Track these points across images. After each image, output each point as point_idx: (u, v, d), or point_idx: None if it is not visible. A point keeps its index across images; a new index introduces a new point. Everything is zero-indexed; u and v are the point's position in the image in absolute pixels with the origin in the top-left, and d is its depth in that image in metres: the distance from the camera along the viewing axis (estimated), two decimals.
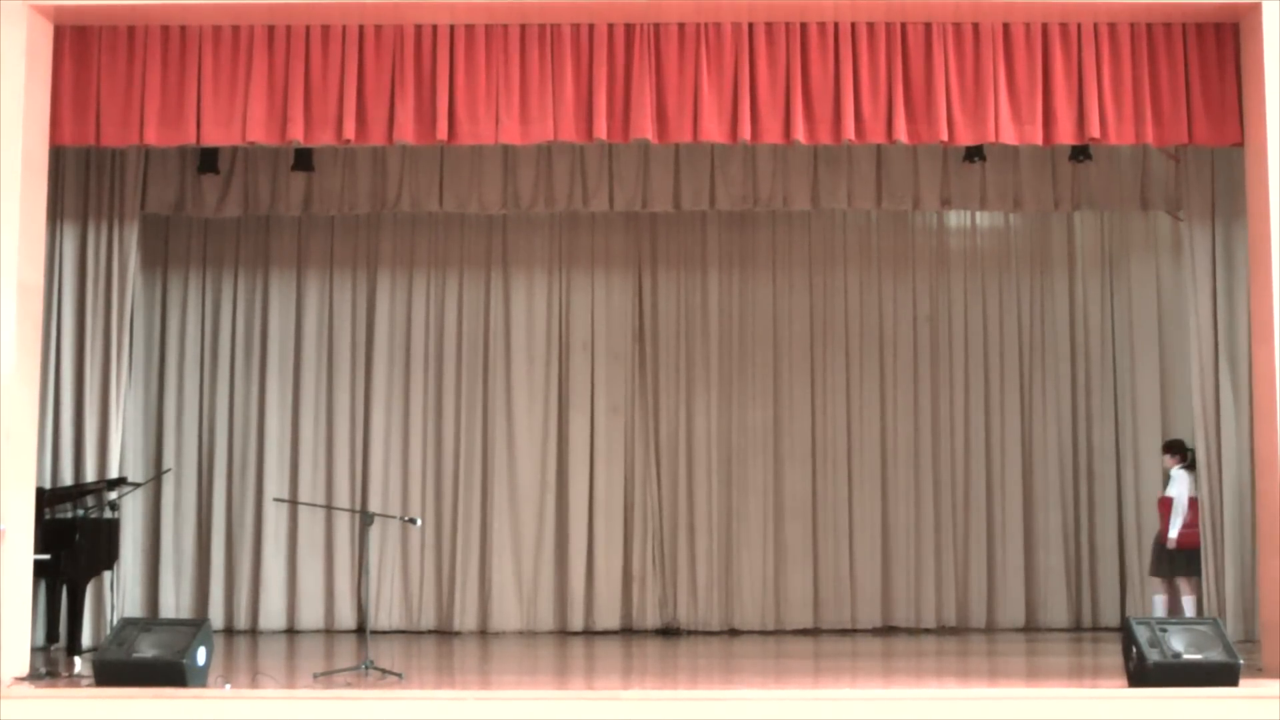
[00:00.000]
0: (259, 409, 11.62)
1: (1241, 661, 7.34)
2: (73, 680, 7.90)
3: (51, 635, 9.23)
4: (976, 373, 11.79)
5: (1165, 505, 10.29)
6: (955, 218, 11.91)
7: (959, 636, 11.03)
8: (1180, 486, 10.29)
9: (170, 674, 7.23)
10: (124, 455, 10.11)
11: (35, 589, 8.53)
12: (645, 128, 8.51)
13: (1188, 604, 10.44)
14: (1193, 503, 10.16)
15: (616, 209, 11.02)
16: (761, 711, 7.13)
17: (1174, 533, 10.11)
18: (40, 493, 8.72)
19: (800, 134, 8.56)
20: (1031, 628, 11.32)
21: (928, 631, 11.25)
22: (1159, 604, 10.51)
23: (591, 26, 8.61)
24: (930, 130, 8.57)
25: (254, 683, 7.95)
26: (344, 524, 11.42)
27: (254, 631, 11.31)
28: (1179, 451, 10.45)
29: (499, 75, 8.60)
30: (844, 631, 11.32)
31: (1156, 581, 10.50)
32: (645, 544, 11.55)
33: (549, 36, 8.62)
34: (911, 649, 10.17)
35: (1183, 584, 10.40)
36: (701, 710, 7.17)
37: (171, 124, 8.59)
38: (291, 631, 11.28)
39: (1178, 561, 10.24)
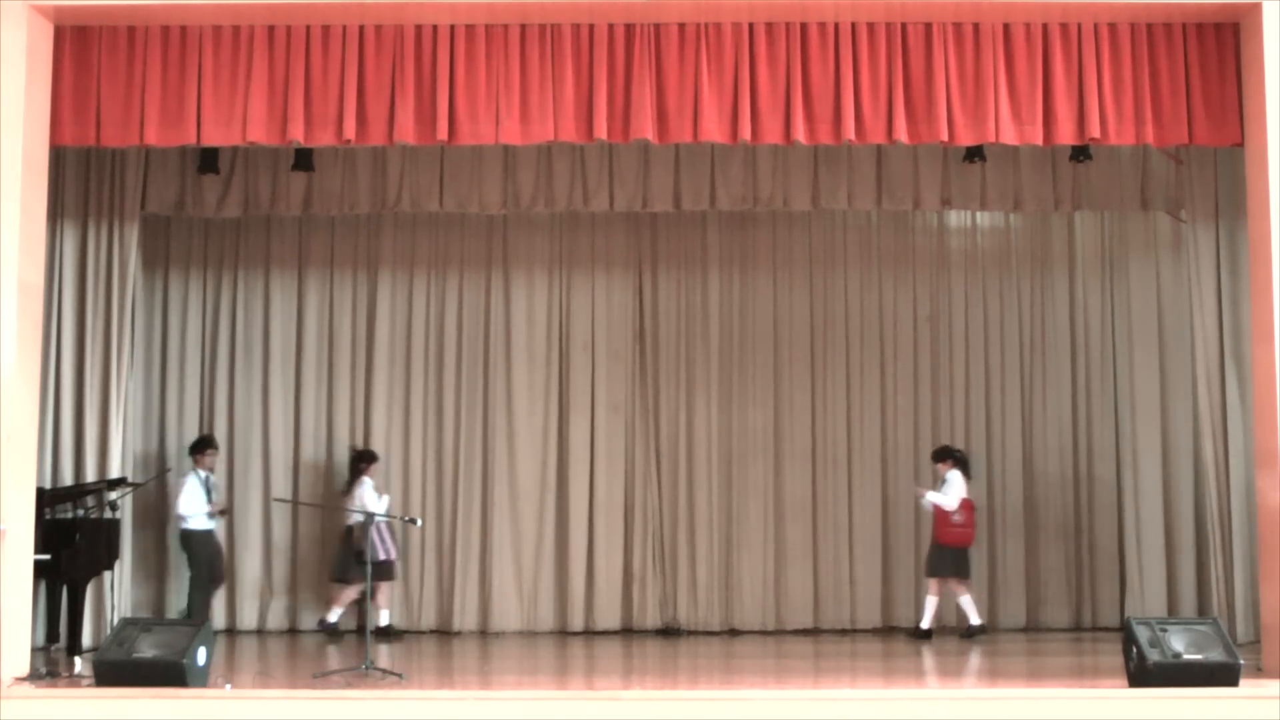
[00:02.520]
0: (260, 409, 11.62)
1: (1242, 661, 7.34)
2: (73, 680, 7.91)
3: (51, 635, 9.23)
4: (977, 373, 11.78)
5: (939, 507, 10.59)
6: (955, 218, 11.91)
7: (959, 637, 11.02)
8: (953, 488, 10.52)
9: (170, 674, 7.23)
10: (124, 455, 10.12)
11: (35, 589, 8.53)
12: (645, 128, 8.51)
13: (965, 602, 10.56)
14: (966, 503, 10.52)
15: (617, 209, 11.02)
16: (761, 711, 7.13)
17: (943, 532, 10.49)
18: (40, 493, 8.72)
19: (800, 134, 8.56)
20: (1032, 628, 11.31)
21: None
22: (931, 605, 10.60)
23: (591, 26, 8.62)
24: (930, 130, 8.58)
25: (257, 681, 7.96)
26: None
27: (256, 631, 11.30)
28: (948, 456, 10.75)
29: (499, 75, 8.60)
30: (844, 631, 11.31)
31: (931, 583, 10.65)
32: (645, 544, 11.54)
33: (549, 36, 8.63)
34: (911, 649, 10.16)
35: (954, 584, 10.57)
36: (701, 710, 7.16)
37: (171, 124, 8.60)
38: (292, 631, 11.27)
39: (949, 561, 10.49)
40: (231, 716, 7.12)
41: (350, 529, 10.74)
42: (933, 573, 10.69)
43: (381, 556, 10.61)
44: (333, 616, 10.82)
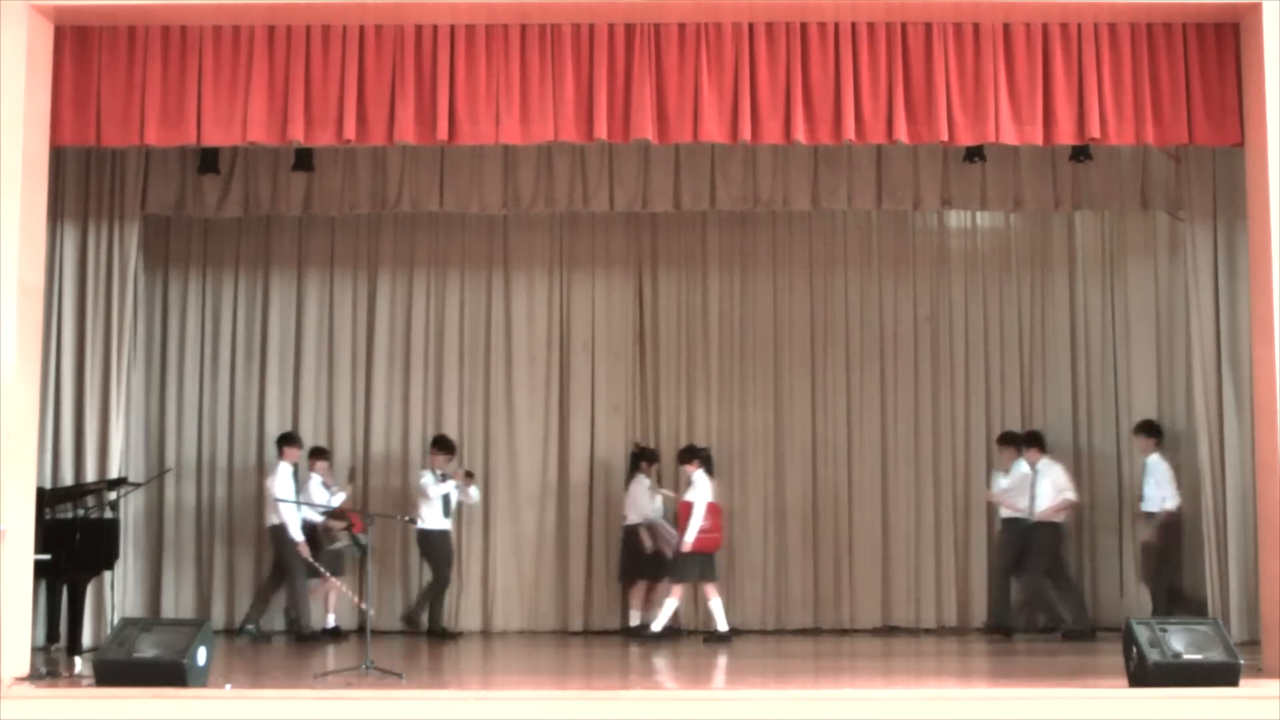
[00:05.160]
0: (259, 409, 11.63)
1: (1242, 661, 7.34)
2: (73, 680, 7.90)
3: (51, 635, 9.22)
4: (976, 373, 11.79)
5: (686, 509, 10.33)
6: (955, 218, 11.91)
7: (959, 636, 11.01)
8: (699, 490, 10.31)
9: (170, 674, 7.23)
10: (125, 455, 10.11)
11: (35, 589, 8.51)
12: (645, 128, 8.51)
13: (715, 606, 10.34)
14: (712, 507, 10.27)
15: (617, 209, 11.01)
16: (761, 711, 7.12)
17: (690, 537, 10.19)
18: (40, 493, 8.72)
19: (800, 134, 8.56)
20: (1032, 628, 11.29)
21: (928, 631, 11.24)
22: (669, 607, 10.42)
23: (592, 26, 8.61)
24: (930, 130, 8.57)
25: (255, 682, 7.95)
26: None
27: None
28: (695, 457, 10.52)
29: (499, 75, 8.60)
30: (844, 631, 11.31)
31: (674, 587, 10.44)
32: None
33: (549, 36, 8.62)
34: (911, 649, 10.17)
35: (707, 588, 10.38)
36: (701, 710, 7.16)
37: (172, 124, 8.59)
38: (292, 632, 11.26)
39: (696, 566, 10.27)
40: (231, 716, 7.11)
41: (632, 529, 10.85)
42: (676, 578, 10.40)
43: (668, 553, 10.71)
44: (634, 618, 10.90)
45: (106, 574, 9.60)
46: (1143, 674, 7.26)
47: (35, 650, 8.46)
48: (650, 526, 10.81)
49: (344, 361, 11.74)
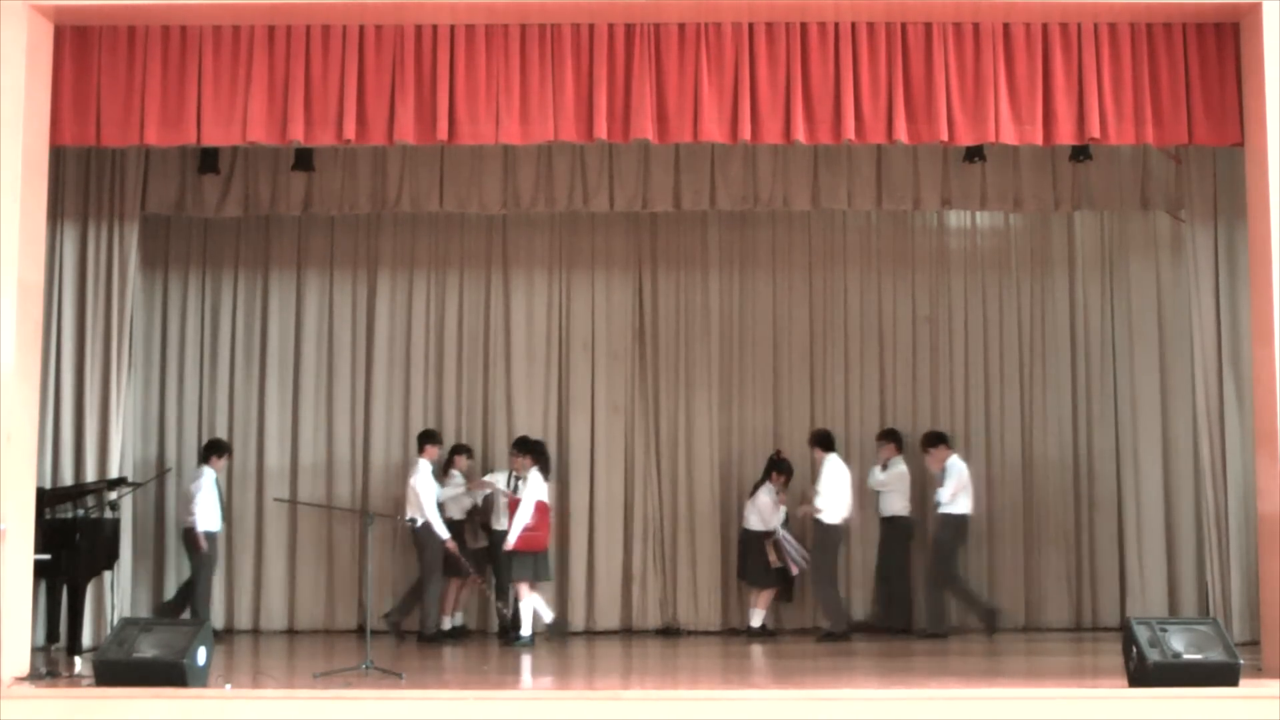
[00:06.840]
0: (259, 409, 11.63)
1: (1242, 661, 7.34)
2: (73, 680, 7.91)
3: (52, 635, 9.23)
4: (976, 373, 11.79)
5: (515, 506, 10.24)
6: (955, 218, 11.91)
7: (959, 636, 11.00)
8: (533, 489, 10.21)
9: (170, 674, 7.23)
10: (124, 455, 10.11)
11: (35, 589, 8.52)
12: (645, 128, 8.51)
13: (526, 606, 10.23)
14: (541, 506, 10.15)
15: (617, 209, 11.02)
16: (761, 711, 7.13)
17: (513, 535, 10.09)
18: (40, 493, 8.72)
19: (800, 134, 8.56)
20: (1031, 628, 11.30)
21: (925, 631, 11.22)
22: (538, 603, 10.36)
23: (592, 26, 8.62)
24: (930, 130, 8.57)
25: (256, 682, 7.95)
26: (344, 524, 11.42)
27: (255, 631, 11.31)
28: (527, 451, 10.42)
29: (499, 75, 8.60)
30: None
31: (518, 588, 10.31)
32: (645, 544, 11.54)
33: (549, 36, 8.63)
34: (912, 649, 10.16)
35: (523, 587, 10.24)
36: (701, 710, 7.16)
37: (172, 124, 8.59)
38: (291, 632, 11.28)
39: (529, 566, 10.17)
40: (231, 716, 7.12)
41: (753, 535, 10.94)
42: (514, 578, 10.24)
43: (795, 567, 10.84)
44: (755, 620, 10.98)
45: (106, 574, 9.60)
46: (1143, 674, 7.26)
47: (35, 650, 8.47)
48: (775, 541, 10.86)
49: (344, 361, 11.74)
